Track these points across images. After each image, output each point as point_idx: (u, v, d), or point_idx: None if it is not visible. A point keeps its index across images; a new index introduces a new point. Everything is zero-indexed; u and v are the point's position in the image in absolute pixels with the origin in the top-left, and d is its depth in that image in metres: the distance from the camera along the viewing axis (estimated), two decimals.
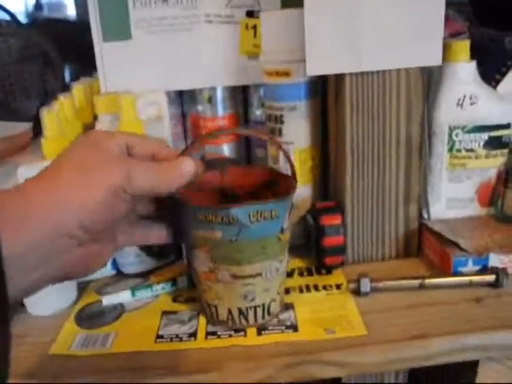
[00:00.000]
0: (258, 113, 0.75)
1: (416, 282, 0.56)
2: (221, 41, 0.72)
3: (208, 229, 0.47)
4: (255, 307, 0.51)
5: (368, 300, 0.55)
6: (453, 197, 0.65)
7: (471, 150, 0.63)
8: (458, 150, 0.63)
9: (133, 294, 0.60)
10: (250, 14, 0.72)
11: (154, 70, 0.72)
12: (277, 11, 0.69)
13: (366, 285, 0.56)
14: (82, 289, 0.62)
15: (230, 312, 0.51)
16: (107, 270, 0.65)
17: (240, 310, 0.51)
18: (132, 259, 0.64)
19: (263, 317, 0.52)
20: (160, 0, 0.70)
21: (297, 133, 0.64)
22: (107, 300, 0.60)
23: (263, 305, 0.51)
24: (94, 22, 0.71)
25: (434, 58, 0.57)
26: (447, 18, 0.56)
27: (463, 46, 0.61)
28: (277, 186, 0.54)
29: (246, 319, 0.51)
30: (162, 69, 0.72)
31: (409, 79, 0.58)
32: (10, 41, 1.17)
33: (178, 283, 0.61)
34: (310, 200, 0.66)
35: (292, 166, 0.53)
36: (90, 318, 0.56)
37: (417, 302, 0.54)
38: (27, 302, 0.58)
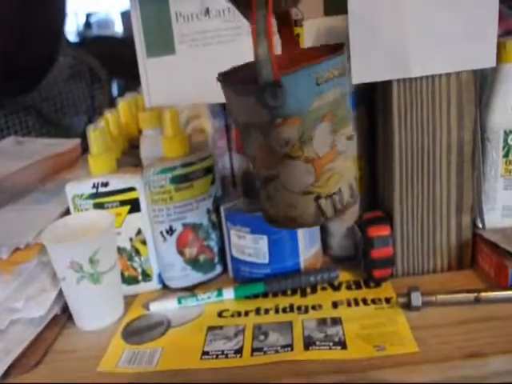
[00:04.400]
0: None
1: (471, 296, 0.53)
2: None
3: (329, 89, 0.42)
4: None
5: (419, 315, 0.53)
6: (509, 204, 0.62)
7: None
8: None
9: (179, 302, 0.60)
10: (293, 22, 0.71)
11: (197, 84, 0.72)
12: (320, 19, 0.68)
13: (417, 299, 0.53)
14: (128, 303, 0.62)
15: (350, 187, 0.46)
16: (153, 285, 0.65)
17: (354, 181, 0.47)
18: (178, 273, 0.64)
19: (349, 199, 0.47)
20: (202, 13, 0.70)
21: None
22: (154, 307, 0.60)
23: (355, 178, 0.48)
24: (137, 39, 0.72)
25: (487, 60, 0.54)
26: (501, 15, 0.54)
27: None
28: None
29: (353, 195, 0.47)
30: (205, 82, 0.72)
31: (460, 83, 0.56)
32: (60, 60, 1.20)
33: (223, 293, 0.60)
34: (357, 211, 0.65)
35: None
36: (136, 333, 0.57)
37: (472, 318, 0.52)
38: (75, 316, 0.59)
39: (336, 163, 0.44)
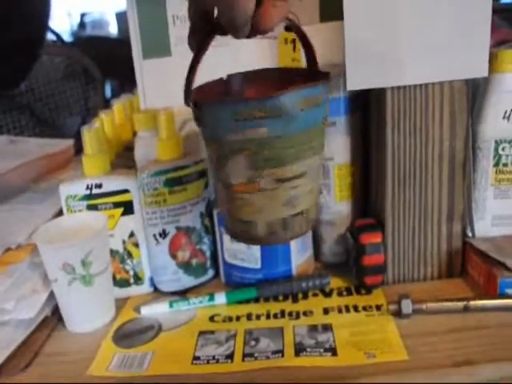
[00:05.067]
0: None
1: (460, 304, 0.54)
2: (260, 55, 0.71)
3: (251, 127, 0.41)
4: (298, 215, 0.45)
5: (409, 322, 0.53)
6: (498, 214, 0.62)
7: None
8: (505, 165, 0.60)
9: (170, 306, 0.60)
10: (289, 28, 0.71)
11: (193, 86, 0.72)
12: (316, 25, 0.68)
13: (407, 306, 0.54)
14: (119, 306, 0.62)
15: (270, 225, 0.45)
16: (145, 288, 0.65)
17: (284, 220, 0.45)
18: (170, 277, 0.64)
19: (306, 227, 0.46)
20: None
21: (336, 148, 0.63)
22: (145, 310, 0.60)
23: (306, 211, 0.46)
24: (134, 40, 0.72)
25: (479, 69, 0.55)
26: (493, 26, 0.54)
27: (510, 56, 0.58)
28: (298, 79, 0.47)
29: (288, 230, 0.45)
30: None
31: (453, 92, 0.56)
32: (55, 60, 1.20)
33: (215, 298, 0.61)
34: (349, 217, 0.65)
35: (312, 51, 0.48)
36: (127, 336, 0.56)
37: (461, 326, 0.52)
38: (66, 318, 0.59)
39: (252, 197, 0.44)
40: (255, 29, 0.40)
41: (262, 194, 0.44)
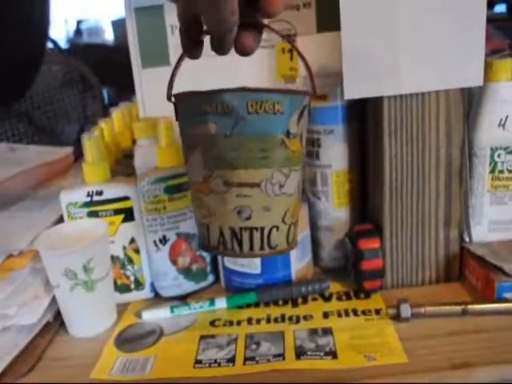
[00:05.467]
0: None
1: (458, 308, 0.55)
2: (258, 64, 0.72)
3: (202, 122, 0.42)
4: (251, 229, 0.44)
5: (408, 326, 0.54)
6: (495, 219, 0.63)
7: None
8: (501, 172, 0.61)
9: (171, 311, 0.61)
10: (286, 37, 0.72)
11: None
12: (314, 35, 0.69)
13: (406, 310, 0.54)
14: (120, 311, 0.63)
15: (221, 233, 0.44)
16: (146, 293, 0.65)
17: (233, 231, 0.43)
18: (170, 282, 0.64)
19: (261, 246, 0.44)
20: None
21: (334, 156, 0.64)
22: (147, 315, 0.61)
23: (262, 229, 0.44)
24: (133, 50, 0.73)
25: (475, 79, 0.56)
26: (487, 35, 0.55)
27: (505, 65, 0.59)
28: None
29: (240, 244, 0.44)
30: None
31: (448, 101, 0.57)
32: (52, 68, 1.21)
33: (215, 303, 0.61)
34: (347, 223, 0.66)
35: (310, 73, 0.46)
36: (129, 340, 0.57)
37: (459, 329, 0.53)
38: (68, 323, 0.59)
39: (207, 198, 0.44)
40: (262, 12, 0.41)
41: (213, 197, 0.43)
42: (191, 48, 0.44)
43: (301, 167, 0.46)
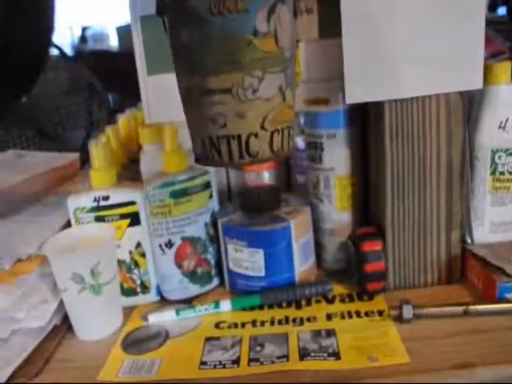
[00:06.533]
0: (297, 140, 0.76)
1: (460, 309, 0.55)
2: None
3: (176, 31, 0.42)
4: (227, 137, 0.43)
5: (411, 327, 0.55)
6: (496, 220, 0.64)
7: None
8: (502, 173, 0.62)
9: (177, 314, 0.62)
10: None
11: None
12: (316, 40, 0.70)
13: (408, 311, 0.55)
14: (126, 314, 0.64)
15: (202, 142, 0.44)
16: (152, 297, 0.66)
17: (210, 140, 0.43)
18: (176, 285, 0.65)
19: (240, 155, 0.43)
20: None
21: (337, 160, 0.65)
22: (153, 318, 0.62)
23: (238, 137, 0.43)
24: (138, 57, 0.74)
25: (474, 82, 0.57)
26: (487, 38, 0.56)
27: (504, 68, 0.60)
28: None
29: (219, 153, 0.43)
30: None
31: (449, 104, 0.58)
32: (59, 74, 1.22)
33: (220, 306, 0.62)
34: (350, 226, 0.67)
35: None
36: (136, 343, 0.58)
37: (461, 330, 0.54)
38: (75, 326, 0.60)
39: (190, 111, 0.45)
40: None
41: (194, 108, 0.43)
42: None
43: (282, 69, 0.43)
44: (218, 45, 0.40)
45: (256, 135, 0.43)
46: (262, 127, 0.43)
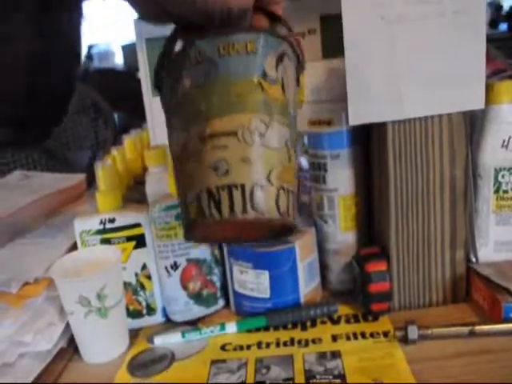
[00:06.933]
0: (301, 160, 0.77)
1: (465, 329, 0.55)
2: None
3: (178, 83, 0.40)
4: (229, 187, 0.37)
5: (416, 348, 0.55)
6: (501, 240, 0.64)
7: None
8: (505, 192, 0.62)
9: (183, 336, 0.62)
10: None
11: None
12: (319, 61, 0.71)
13: (413, 332, 0.55)
14: (132, 336, 0.64)
15: (198, 198, 0.38)
16: (157, 318, 0.66)
17: (209, 192, 0.37)
18: (181, 307, 0.65)
19: (244, 208, 0.37)
20: None
21: (340, 180, 0.65)
22: (158, 340, 0.62)
23: (242, 187, 0.37)
24: (143, 79, 0.75)
25: (476, 102, 0.57)
26: (488, 56, 0.56)
27: (506, 87, 0.60)
28: None
29: (218, 207, 0.37)
30: None
31: (451, 124, 0.58)
32: None
33: (226, 327, 0.62)
34: (354, 246, 0.67)
35: (301, 51, 0.44)
36: (141, 366, 0.58)
37: (467, 350, 0.53)
38: (82, 349, 0.60)
39: (185, 165, 0.40)
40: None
41: (190, 161, 0.39)
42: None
43: (287, 124, 0.41)
44: (225, 86, 0.38)
45: (262, 187, 0.38)
46: (269, 180, 0.39)
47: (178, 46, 0.42)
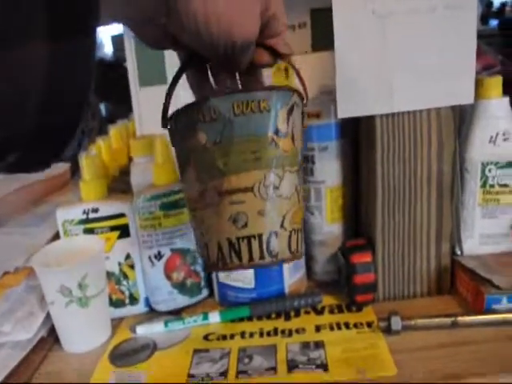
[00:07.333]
0: None
1: (448, 320, 0.55)
2: None
3: (192, 134, 0.41)
4: (249, 238, 0.41)
5: (399, 338, 0.55)
6: (486, 233, 0.64)
7: (505, 186, 0.62)
8: (492, 186, 0.62)
9: (166, 325, 0.61)
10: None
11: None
12: (308, 54, 0.71)
13: (397, 323, 0.55)
14: (115, 325, 0.63)
15: (219, 247, 0.41)
16: (140, 308, 0.66)
17: (230, 242, 0.41)
18: (165, 297, 0.65)
19: (261, 255, 0.41)
20: None
21: (328, 172, 0.65)
22: (141, 330, 0.61)
23: (259, 236, 0.41)
24: (131, 69, 0.74)
25: (465, 97, 0.57)
26: (478, 51, 0.56)
27: (495, 83, 0.60)
28: None
29: (239, 255, 0.41)
30: None
31: (440, 119, 0.58)
32: None
33: (209, 317, 0.62)
34: (340, 238, 0.67)
35: (302, 83, 0.45)
36: (123, 355, 0.57)
37: (449, 341, 0.54)
38: (62, 338, 0.60)
39: (204, 214, 0.42)
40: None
41: (209, 211, 0.42)
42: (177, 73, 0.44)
43: (296, 170, 0.43)
44: (240, 144, 0.40)
45: (277, 234, 0.42)
46: (282, 226, 0.42)
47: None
